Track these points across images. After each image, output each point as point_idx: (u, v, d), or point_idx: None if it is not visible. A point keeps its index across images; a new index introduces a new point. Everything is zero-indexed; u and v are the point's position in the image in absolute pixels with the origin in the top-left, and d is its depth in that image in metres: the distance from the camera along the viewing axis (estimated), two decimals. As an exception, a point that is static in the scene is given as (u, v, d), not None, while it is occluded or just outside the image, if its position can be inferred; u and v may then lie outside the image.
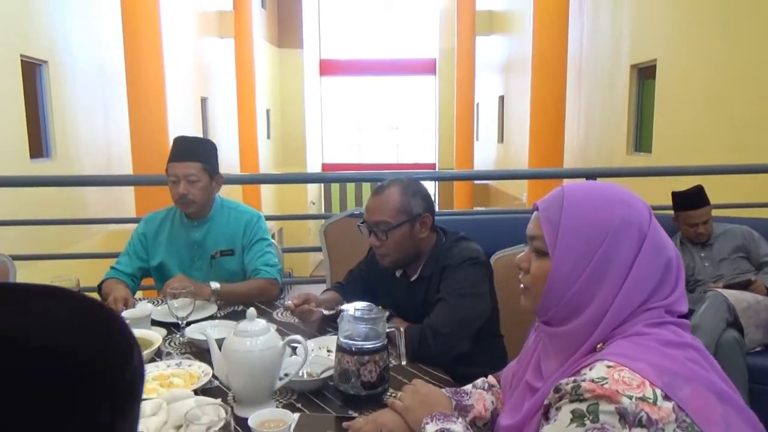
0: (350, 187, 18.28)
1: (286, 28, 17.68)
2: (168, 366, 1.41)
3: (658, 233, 0.91)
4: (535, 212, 0.97)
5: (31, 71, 6.15)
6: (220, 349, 1.26)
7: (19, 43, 5.84)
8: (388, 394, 1.29)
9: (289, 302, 1.70)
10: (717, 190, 3.06)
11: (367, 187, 17.56)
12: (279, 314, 1.90)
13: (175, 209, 2.15)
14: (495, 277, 1.76)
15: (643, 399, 0.77)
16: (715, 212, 2.86)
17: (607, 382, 0.79)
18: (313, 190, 17.17)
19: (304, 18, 17.06)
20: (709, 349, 2.15)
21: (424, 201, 1.65)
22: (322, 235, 3.10)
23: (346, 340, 1.26)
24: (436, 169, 18.28)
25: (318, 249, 3.23)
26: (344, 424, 1.12)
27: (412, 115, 20.13)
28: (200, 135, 11.65)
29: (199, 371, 1.38)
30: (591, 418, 0.79)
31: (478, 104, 14.02)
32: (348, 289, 1.83)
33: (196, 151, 2.06)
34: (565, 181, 3.11)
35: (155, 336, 1.52)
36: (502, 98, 12.45)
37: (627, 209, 0.91)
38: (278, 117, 17.26)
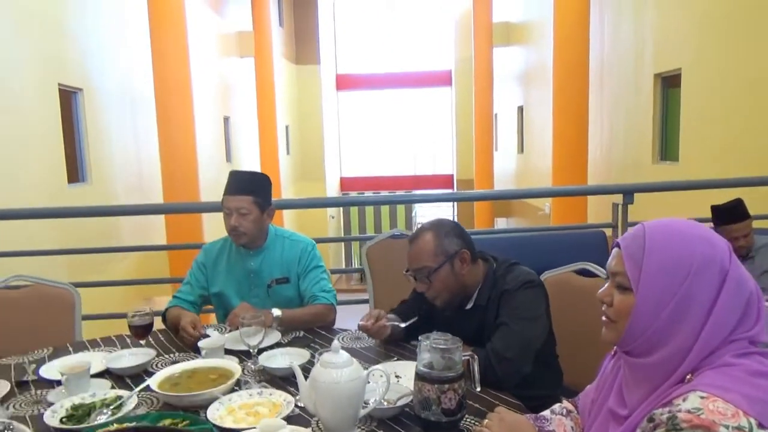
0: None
1: (303, 44, 17.94)
2: (250, 395, 1.48)
3: (737, 268, 0.97)
4: (616, 249, 1.03)
5: (67, 99, 6.35)
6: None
7: (57, 72, 6.05)
8: (466, 419, 1.35)
9: (362, 322, 1.77)
10: (754, 201, 3.08)
11: (386, 208, 17.69)
12: (341, 339, 1.97)
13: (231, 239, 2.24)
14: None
15: (739, 428, 0.82)
16: (755, 224, 2.89)
17: (702, 413, 0.85)
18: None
19: (321, 34, 17.29)
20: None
21: (458, 238, 1.72)
22: (364, 257, 3.19)
23: (426, 370, 1.32)
24: (454, 180, 18.40)
25: (359, 270, 3.31)
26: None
27: (428, 126, 20.22)
28: (223, 153, 11.88)
29: (281, 400, 1.45)
30: (688, 448, 0.84)
31: (496, 115, 14.08)
32: (404, 315, 1.89)
33: (248, 185, 2.15)
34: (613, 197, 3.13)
35: (235, 366, 1.59)
36: (521, 108, 12.48)
37: (708, 247, 0.97)
38: (297, 132, 17.47)
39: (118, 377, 1.66)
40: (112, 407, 1.42)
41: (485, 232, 5.25)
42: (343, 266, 17.58)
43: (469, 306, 1.75)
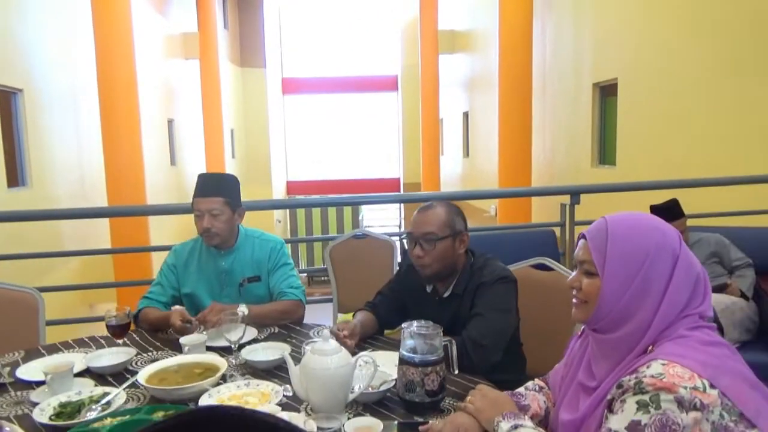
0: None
1: (248, 47, 17.76)
2: (238, 387, 1.54)
3: (687, 253, 1.12)
4: (583, 241, 1.17)
5: (7, 100, 6.08)
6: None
7: (-6, 72, 5.79)
8: (445, 400, 1.45)
9: (335, 329, 1.83)
10: (687, 202, 3.35)
11: (332, 211, 17.71)
12: (315, 333, 2.04)
13: (201, 239, 2.27)
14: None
15: (695, 388, 0.97)
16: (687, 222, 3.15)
17: (664, 377, 0.98)
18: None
19: (266, 37, 17.18)
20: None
21: (464, 222, 1.84)
22: (327, 257, 3.26)
23: (410, 354, 1.42)
24: (401, 183, 18.65)
25: (323, 270, 3.38)
26: (421, 428, 1.28)
27: (375, 131, 20.41)
28: (168, 156, 11.60)
29: (269, 390, 1.51)
30: (654, 406, 0.97)
31: (442, 120, 14.41)
32: (380, 308, 1.98)
33: (219, 186, 2.20)
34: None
35: (220, 360, 1.64)
36: (466, 114, 12.84)
37: (661, 236, 1.11)
38: (242, 136, 17.25)
39: (99, 376, 1.67)
40: (101, 403, 1.44)
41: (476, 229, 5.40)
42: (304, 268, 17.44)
43: (446, 294, 1.85)
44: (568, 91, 7.92)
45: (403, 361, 1.43)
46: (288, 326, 2.11)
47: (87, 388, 1.55)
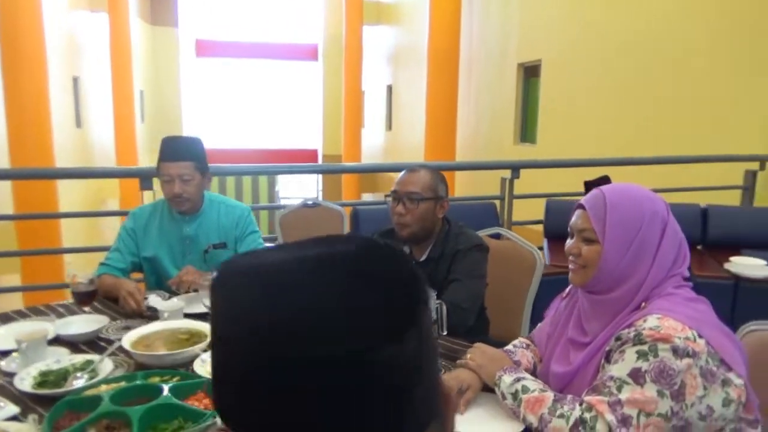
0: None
1: (160, 3, 16.70)
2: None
3: (673, 220, 1.25)
4: (581, 210, 1.26)
5: None
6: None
7: None
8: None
9: None
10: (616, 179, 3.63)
11: (248, 180, 17.25)
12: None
13: (162, 203, 2.19)
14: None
15: (686, 338, 1.10)
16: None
17: (661, 329, 1.11)
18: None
19: (179, -6, 16.22)
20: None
21: (446, 189, 1.90)
22: (277, 225, 3.23)
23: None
24: (320, 154, 18.48)
25: (272, 239, 3.35)
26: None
27: (294, 100, 20.00)
28: (73, 117, 10.75)
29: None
30: (653, 354, 1.10)
31: (364, 92, 14.37)
32: None
33: (188, 150, 2.12)
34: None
35: (204, 325, 1.61)
36: (390, 87, 12.89)
37: (652, 204, 1.23)
38: (152, 99, 16.33)
39: (70, 344, 1.59)
40: (88, 371, 1.38)
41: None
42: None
43: (422, 258, 1.92)
44: (493, 69, 8.18)
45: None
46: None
47: (64, 357, 1.47)
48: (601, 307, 1.26)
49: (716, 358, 1.12)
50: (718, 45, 4.69)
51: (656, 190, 3.97)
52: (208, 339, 1.52)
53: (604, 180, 3.34)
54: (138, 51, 13.81)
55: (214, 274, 1.44)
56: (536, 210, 3.88)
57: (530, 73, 7.42)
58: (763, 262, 3.19)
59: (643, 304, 1.20)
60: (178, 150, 2.09)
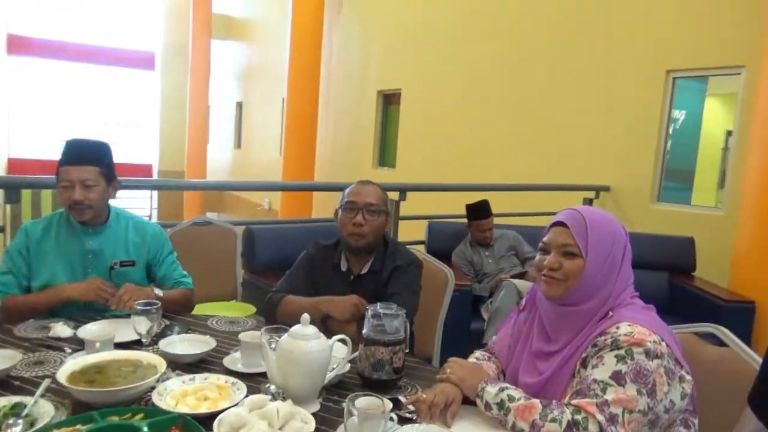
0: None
1: (-39, -11, 14.41)
2: (183, 382, 1.38)
3: (629, 240, 1.42)
4: (562, 227, 1.38)
5: None
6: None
7: None
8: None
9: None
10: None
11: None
12: (213, 322, 1.91)
13: (58, 216, 1.94)
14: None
15: (655, 342, 1.26)
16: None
17: (634, 334, 1.26)
18: None
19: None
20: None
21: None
22: (166, 244, 2.97)
23: (379, 335, 1.47)
24: (155, 170, 17.20)
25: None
26: (407, 399, 1.36)
27: (126, 111, 18.44)
28: None
29: (222, 381, 1.40)
30: (629, 358, 1.24)
31: (209, 107, 13.79)
32: (299, 292, 1.94)
33: (94, 154, 1.93)
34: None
35: (146, 355, 1.44)
36: (240, 104, 12.55)
37: (618, 226, 1.40)
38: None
39: (-27, 386, 1.32)
40: (24, 416, 1.16)
41: (299, 221, 5.09)
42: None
43: (363, 271, 1.93)
44: (353, 94, 8.42)
45: (370, 341, 1.47)
46: (179, 317, 1.94)
47: (-20, 401, 1.21)
48: (571, 317, 1.38)
49: (673, 358, 1.29)
50: (567, 88, 5.37)
51: (509, 214, 4.42)
52: (163, 368, 1.37)
53: (485, 204, 3.64)
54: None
55: (157, 292, 1.31)
56: (412, 231, 4.09)
57: (390, 100, 7.77)
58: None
59: (610, 313, 1.34)
60: (81, 153, 1.89)
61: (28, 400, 1.22)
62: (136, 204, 18.19)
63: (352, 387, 1.49)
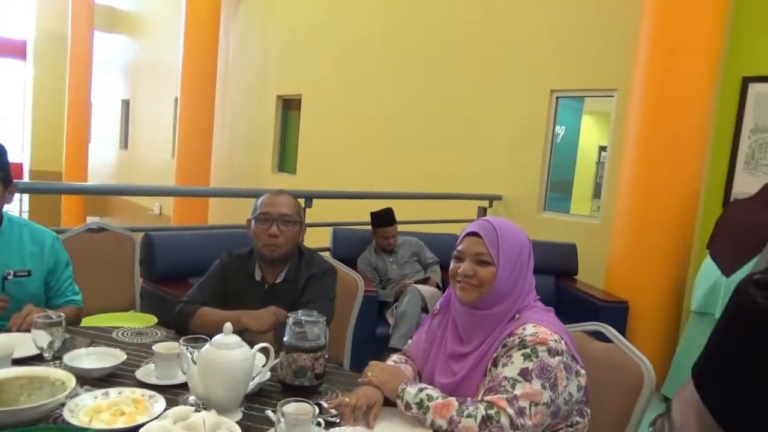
0: None
1: None
2: (96, 398, 1.32)
3: (532, 248, 1.56)
4: (475, 237, 1.48)
5: None
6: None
7: None
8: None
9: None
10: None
11: None
12: (119, 334, 1.82)
13: None
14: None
15: (556, 341, 1.39)
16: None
17: (538, 334, 1.38)
18: None
19: None
20: (413, 329, 3.02)
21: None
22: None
23: (300, 342, 1.49)
24: (25, 169, 15.71)
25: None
26: (329, 403, 1.39)
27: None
28: None
29: (138, 395, 1.35)
30: (534, 356, 1.36)
31: (92, 104, 12.85)
32: (211, 302, 1.90)
33: None
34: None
35: (65, 374, 1.35)
36: (126, 102, 11.84)
37: (523, 236, 1.53)
38: None
39: None
40: None
41: (199, 227, 4.82)
42: None
43: (278, 280, 1.93)
44: (251, 98, 8.26)
45: (294, 349, 1.49)
46: (81, 330, 1.84)
47: None
48: (483, 320, 1.49)
49: (570, 354, 1.44)
50: (463, 102, 5.65)
51: (411, 222, 4.58)
52: (72, 384, 1.30)
53: (389, 212, 3.75)
54: None
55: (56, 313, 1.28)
56: (316, 238, 4.11)
57: (290, 105, 7.72)
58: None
59: (517, 315, 1.47)
60: None
61: None
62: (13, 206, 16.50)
63: (271, 394, 1.50)
